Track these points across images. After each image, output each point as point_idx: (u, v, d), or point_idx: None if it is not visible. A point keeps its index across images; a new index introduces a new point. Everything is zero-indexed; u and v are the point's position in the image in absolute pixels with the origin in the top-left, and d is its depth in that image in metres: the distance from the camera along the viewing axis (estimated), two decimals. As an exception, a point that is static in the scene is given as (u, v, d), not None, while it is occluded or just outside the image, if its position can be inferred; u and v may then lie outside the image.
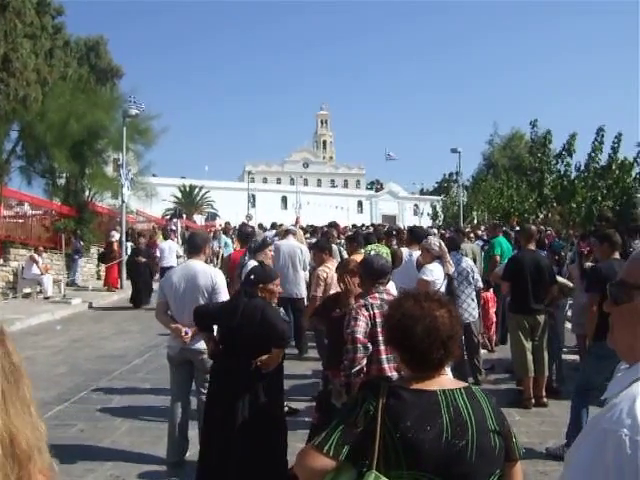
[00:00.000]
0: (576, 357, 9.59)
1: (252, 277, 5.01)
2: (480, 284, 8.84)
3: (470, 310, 8.54)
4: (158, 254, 18.33)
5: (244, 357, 4.69)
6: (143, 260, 18.24)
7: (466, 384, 2.40)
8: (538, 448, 6.23)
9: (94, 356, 10.91)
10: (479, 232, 18.02)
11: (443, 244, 7.56)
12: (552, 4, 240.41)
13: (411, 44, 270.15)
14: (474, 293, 8.67)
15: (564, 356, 9.36)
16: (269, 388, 4.76)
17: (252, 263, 7.40)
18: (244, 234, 8.79)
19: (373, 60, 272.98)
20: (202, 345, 5.71)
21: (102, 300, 18.50)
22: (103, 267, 22.98)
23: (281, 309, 5.90)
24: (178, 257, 18.04)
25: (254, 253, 7.73)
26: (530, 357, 7.81)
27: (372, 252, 7.26)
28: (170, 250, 18.13)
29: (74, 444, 6.36)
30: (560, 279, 8.58)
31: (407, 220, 79.33)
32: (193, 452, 5.96)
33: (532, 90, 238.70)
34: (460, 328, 2.43)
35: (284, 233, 11.61)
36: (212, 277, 5.81)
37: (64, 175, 25.51)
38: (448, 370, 4.14)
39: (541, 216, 26.90)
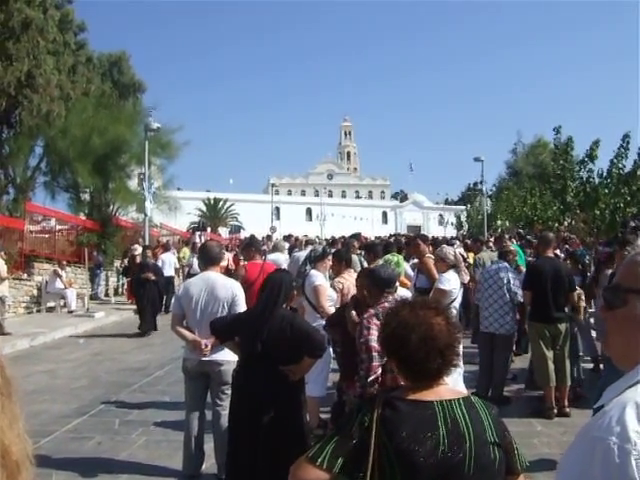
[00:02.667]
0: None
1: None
2: (520, 298, 8.25)
3: (501, 321, 8.21)
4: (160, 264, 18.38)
5: (268, 368, 4.59)
6: (152, 278, 15.51)
7: (465, 394, 2.33)
8: (560, 459, 6.10)
9: (115, 369, 10.94)
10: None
11: (458, 253, 7.44)
12: (576, 13, 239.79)
13: (434, 55, 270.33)
14: (509, 304, 8.25)
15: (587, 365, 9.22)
16: (292, 399, 4.69)
17: (314, 273, 7.41)
18: (252, 246, 8.77)
19: (396, 71, 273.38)
20: (220, 357, 5.68)
21: (125, 313, 18.47)
22: (116, 281, 23.49)
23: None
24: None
25: (314, 263, 7.73)
26: (552, 366, 7.68)
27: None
28: (170, 262, 19.54)
29: (91, 457, 6.38)
30: None
31: (432, 230, 79.04)
32: (209, 464, 5.95)
33: (557, 99, 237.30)
34: (459, 336, 2.35)
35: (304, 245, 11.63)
36: (232, 289, 5.80)
37: (88, 190, 25.78)
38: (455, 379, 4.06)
39: (565, 224, 26.65)
